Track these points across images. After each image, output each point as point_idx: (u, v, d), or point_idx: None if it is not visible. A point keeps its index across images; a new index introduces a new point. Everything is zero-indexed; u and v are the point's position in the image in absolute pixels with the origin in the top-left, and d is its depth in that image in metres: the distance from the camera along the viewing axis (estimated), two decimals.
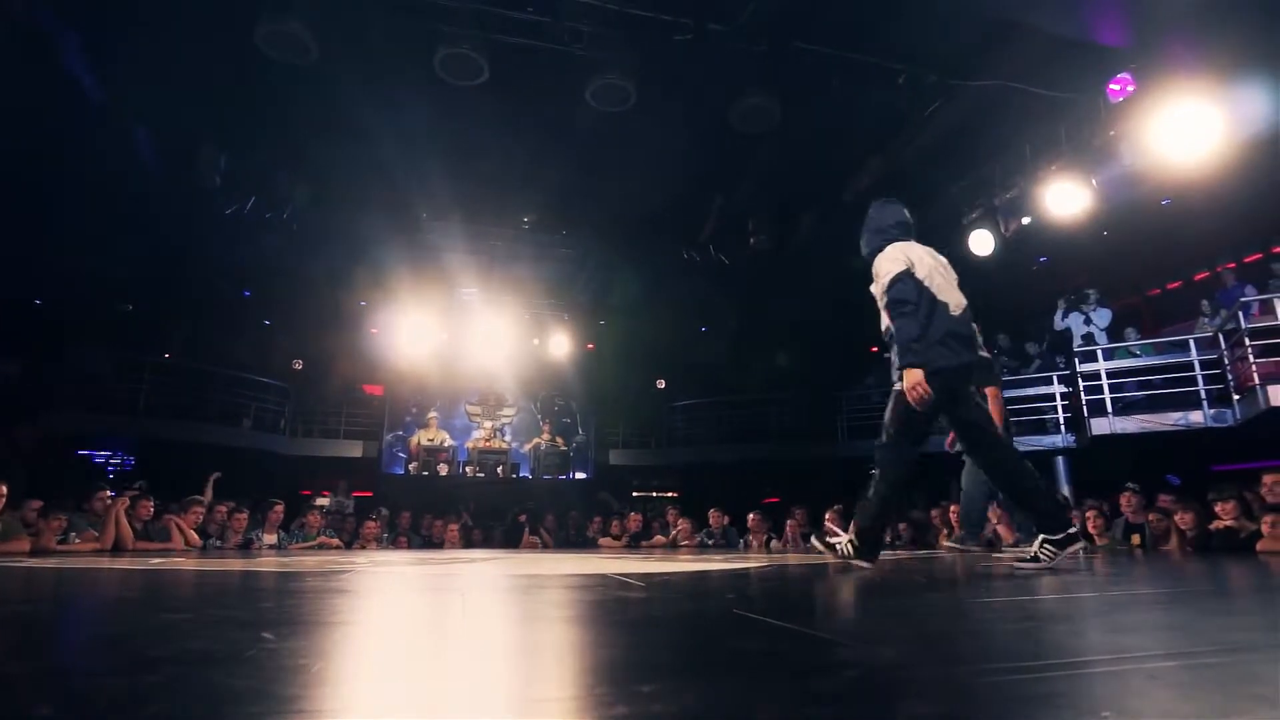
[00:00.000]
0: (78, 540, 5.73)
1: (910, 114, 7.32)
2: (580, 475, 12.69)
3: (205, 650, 1.18)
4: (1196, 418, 7.93)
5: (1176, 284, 10.67)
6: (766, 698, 0.89)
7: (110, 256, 9.95)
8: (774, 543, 7.86)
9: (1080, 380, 8.64)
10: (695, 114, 7.47)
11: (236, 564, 4.16)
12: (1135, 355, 8.65)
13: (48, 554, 5.24)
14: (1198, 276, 10.13)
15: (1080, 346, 8.93)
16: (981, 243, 8.25)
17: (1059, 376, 9.51)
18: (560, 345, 11.89)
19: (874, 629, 1.43)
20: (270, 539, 7.06)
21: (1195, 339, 8.22)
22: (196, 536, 6.55)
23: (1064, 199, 7.33)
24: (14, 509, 5.89)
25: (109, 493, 6.22)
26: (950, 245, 8.58)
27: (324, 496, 9.68)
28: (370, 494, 10.89)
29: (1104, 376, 8.48)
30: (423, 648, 1.34)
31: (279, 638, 1.28)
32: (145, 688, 0.92)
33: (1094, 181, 7.18)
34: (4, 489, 5.55)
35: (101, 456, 11.32)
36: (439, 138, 8.03)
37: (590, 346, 13.28)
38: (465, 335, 11.44)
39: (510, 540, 8.71)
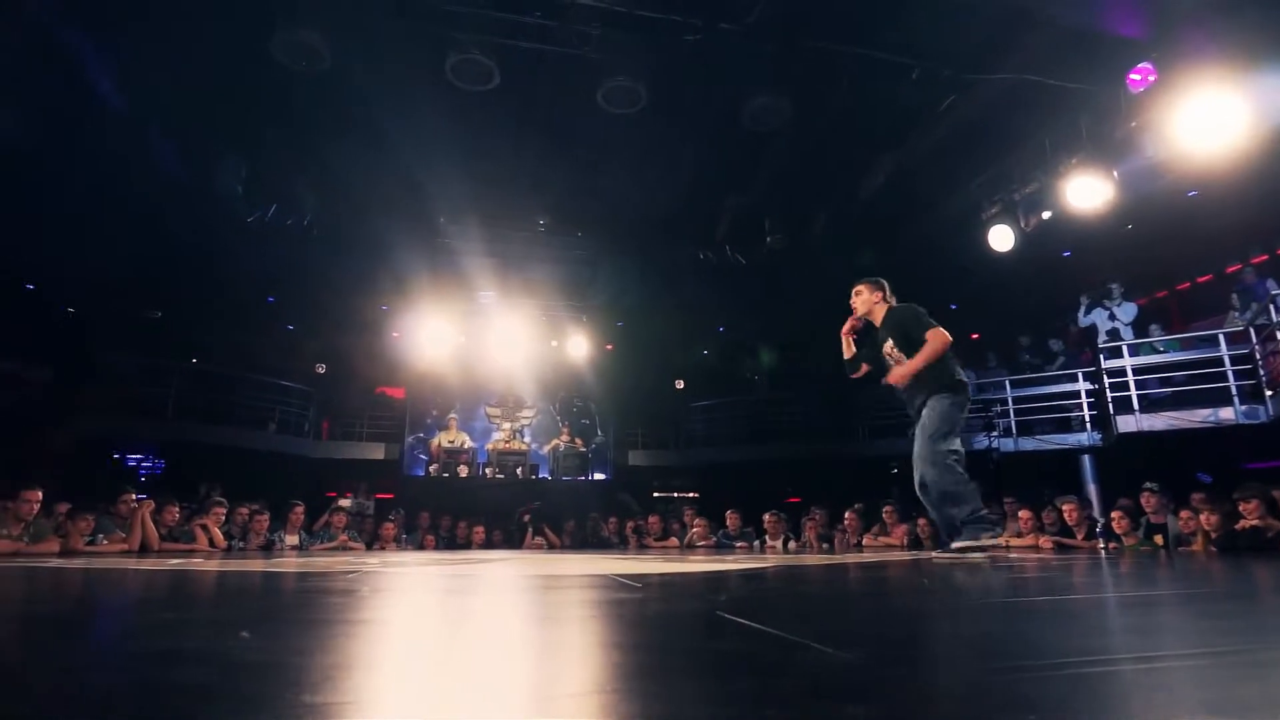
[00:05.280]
0: (105, 542, 5.88)
1: (924, 110, 7.23)
2: (599, 476, 12.72)
3: (175, 649, 1.21)
4: (1227, 414, 7.72)
5: (1206, 277, 10.40)
6: (715, 699, 0.89)
7: (139, 264, 10.20)
8: (791, 544, 7.81)
9: (1105, 377, 8.46)
10: (707, 114, 7.45)
11: (248, 564, 4.24)
12: (1159, 351, 8.45)
13: (75, 555, 5.39)
14: (1229, 269, 9.87)
15: (1105, 342, 8.75)
16: (1001, 238, 8.13)
17: (1084, 374, 9.32)
18: (578, 347, 11.92)
19: (850, 631, 1.42)
20: (292, 540, 7.19)
21: (1225, 333, 8.00)
22: (221, 537, 6.70)
23: (1085, 193, 7.19)
24: (47, 514, 6.07)
25: (134, 495, 6.38)
26: (969, 241, 8.55)
27: (346, 498, 9.82)
28: (391, 495, 11.02)
29: (1130, 373, 8.30)
30: (391, 645, 1.36)
31: (257, 635, 1.31)
32: (115, 686, 0.95)
33: (1115, 174, 7.04)
34: (39, 495, 5.71)
35: (133, 460, 11.61)
36: (453, 142, 8.10)
37: (609, 347, 13.30)
38: (484, 338, 11.54)
39: (513, 541, 8.79)
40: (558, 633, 1.54)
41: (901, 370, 4.20)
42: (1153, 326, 8.96)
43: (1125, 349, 8.48)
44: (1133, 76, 6.53)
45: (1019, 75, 6.66)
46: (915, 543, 7.02)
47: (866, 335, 4.70)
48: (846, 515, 7.80)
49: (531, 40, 6.25)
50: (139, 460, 11.69)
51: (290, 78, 6.40)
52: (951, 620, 1.73)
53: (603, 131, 7.54)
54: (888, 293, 4.54)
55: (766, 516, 7.94)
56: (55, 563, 4.37)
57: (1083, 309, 9.38)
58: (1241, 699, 0.87)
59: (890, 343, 4.30)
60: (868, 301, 4.51)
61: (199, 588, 2.76)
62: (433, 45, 6.21)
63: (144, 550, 5.95)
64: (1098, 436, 9.01)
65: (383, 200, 9.28)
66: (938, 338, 4.10)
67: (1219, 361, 7.86)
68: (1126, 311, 8.96)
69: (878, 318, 4.47)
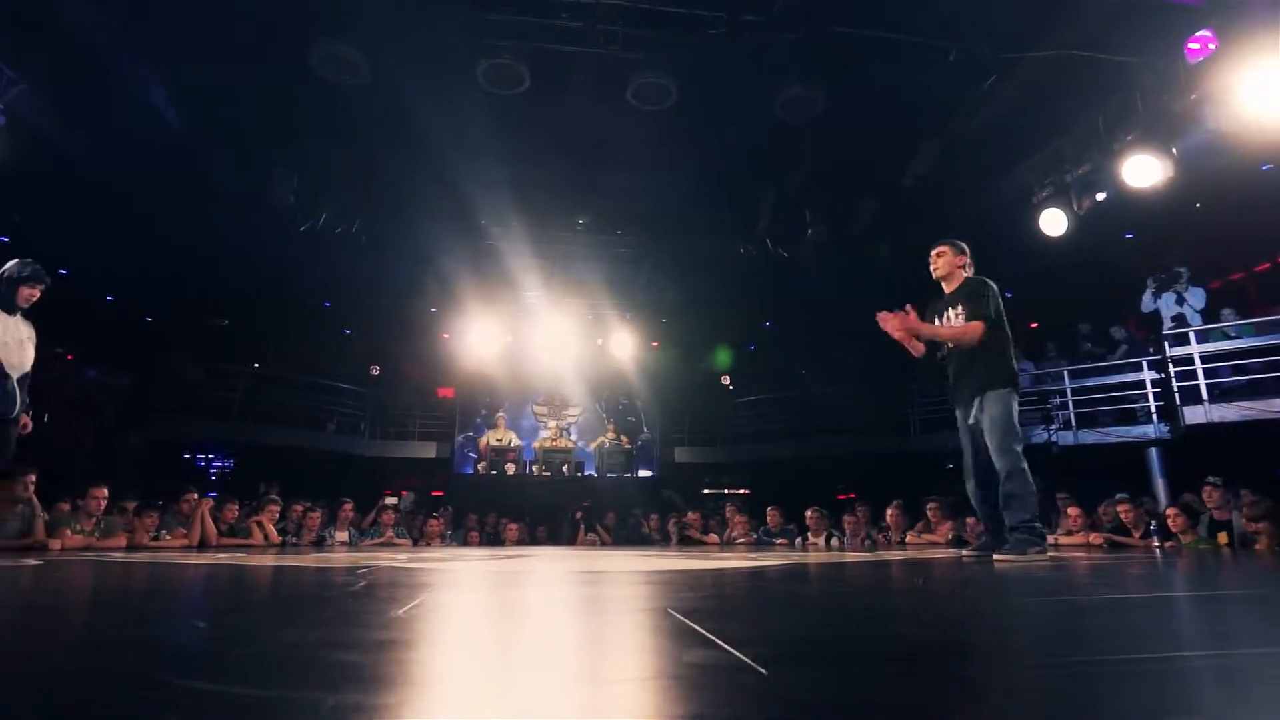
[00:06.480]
0: (168, 537, 6.26)
1: (965, 92, 6.98)
2: (645, 473, 12.75)
3: (125, 636, 1.29)
4: None
5: None
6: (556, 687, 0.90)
7: (205, 276, 10.80)
8: (834, 540, 7.67)
9: (1170, 365, 7.98)
10: (739, 107, 7.37)
11: (282, 559, 4.44)
12: (1231, 337, 7.92)
13: (140, 549, 5.75)
14: None
15: (1170, 329, 8.25)
16: (1053, 222, 7.78)
17: (1149, 362, 8.82)
18: (623, 345, 11.99)
19: (776, 633, 1.40)
20: (341, 536, 7.48)
21: None
22: (276, 534, 7.04)
23: (1143, 171, 6.81)
24: (121, 510, 6.50)
25: (195, 494, 6.75)
26: (1019, 226, 8.19)
27: (398, 496, 10.16)
28: (442, 493, 11.33)
29: (1198, 361, 7.81)
30: (331, 637, 1.41)
31: (210, 625, 1.38)
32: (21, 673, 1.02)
33: (1175, 151, 6.64)
34: (105, 491, 6.11)
35: (203, 460, 12.29)
36: (491, 146, 8.25)
37: (655, 344, 13.34)
38: (531, 337, 11.76)
39: (565, 537, 8.92)
40: (477, 623, 1.57)
41: (935, 330, 4.20)
42: (1225, 310, 8.40)
43: (1192, 335, 7.98)
44: (1191, 45, 6.14)
45: (1064, 51, 6.36)
46: (959, 541, 6.78)
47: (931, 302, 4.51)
48: (889, 511, 7.61)
49: (558, 42, 6.32)
50: (210, 460, 12.38)
51: (334, 91, 6.67)
52: (900, 621, 1.68)
53: (636, 129, 7.55)
54: (969, 260, 4.41)
55: (808, 513, 7.82)
56: (115, 555, 4.68)
57: (1149, 293, 8.86)
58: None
59: (958, 309, 4.19)
60: (950, 264, 4.36)
61: (210, 581, 2.91)
62: (464, 53, 6.35)
63: (203, 545, 6.30)
64: (1165, 428, 8.51)
65: (427, 206, 9.53)
66: (973, 330, 4.02)
67: None
68: (1196, 296, 8.42)
69: (953, 283, 4.34)
